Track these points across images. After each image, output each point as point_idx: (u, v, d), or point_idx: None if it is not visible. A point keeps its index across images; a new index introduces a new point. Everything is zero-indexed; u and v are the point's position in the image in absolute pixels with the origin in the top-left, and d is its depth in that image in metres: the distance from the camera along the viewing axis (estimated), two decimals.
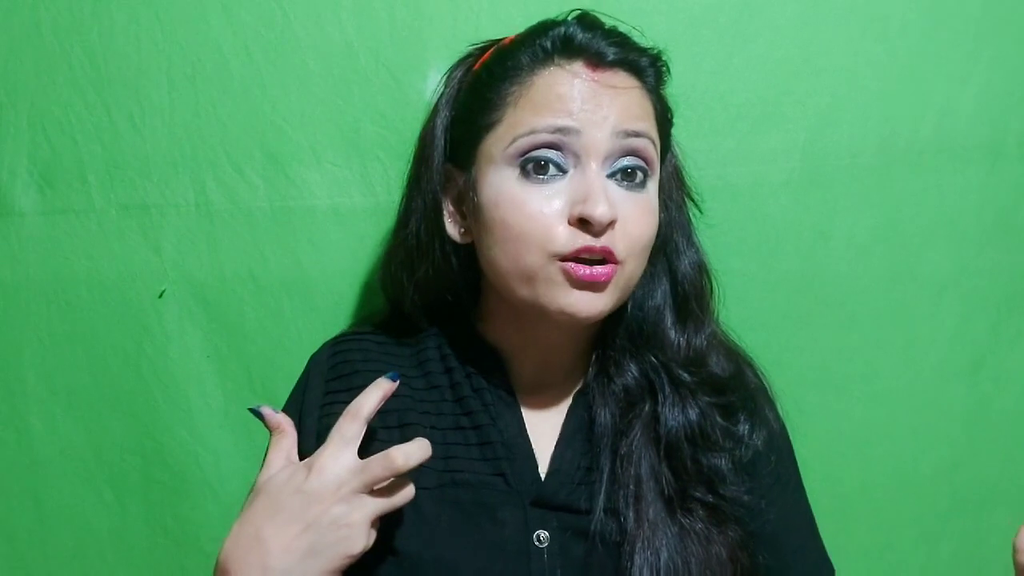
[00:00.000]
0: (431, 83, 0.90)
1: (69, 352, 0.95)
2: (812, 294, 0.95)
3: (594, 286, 0.70)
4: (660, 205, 0.76)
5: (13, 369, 0.95)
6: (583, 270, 0.69)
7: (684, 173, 0.83)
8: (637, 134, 0.71)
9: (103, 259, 0.94)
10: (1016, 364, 0.97)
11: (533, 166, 0.70)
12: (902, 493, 0.97)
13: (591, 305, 0.70)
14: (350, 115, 0.92)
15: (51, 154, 0.93)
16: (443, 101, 0.80)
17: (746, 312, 0.86)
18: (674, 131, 0.80)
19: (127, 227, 0.93)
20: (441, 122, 0.79)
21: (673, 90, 0.79)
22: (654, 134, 0.73)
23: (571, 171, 0.70)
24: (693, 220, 0.83)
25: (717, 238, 0.88)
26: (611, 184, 0.71)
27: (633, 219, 0.71)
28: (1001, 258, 0.96)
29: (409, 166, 0.82)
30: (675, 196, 0.81)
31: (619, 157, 0.71)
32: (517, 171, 0.70)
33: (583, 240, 0.69)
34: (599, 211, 0.67)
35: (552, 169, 0.70)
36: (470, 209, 0.75)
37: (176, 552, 0.95)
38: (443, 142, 0.78)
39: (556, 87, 0.71)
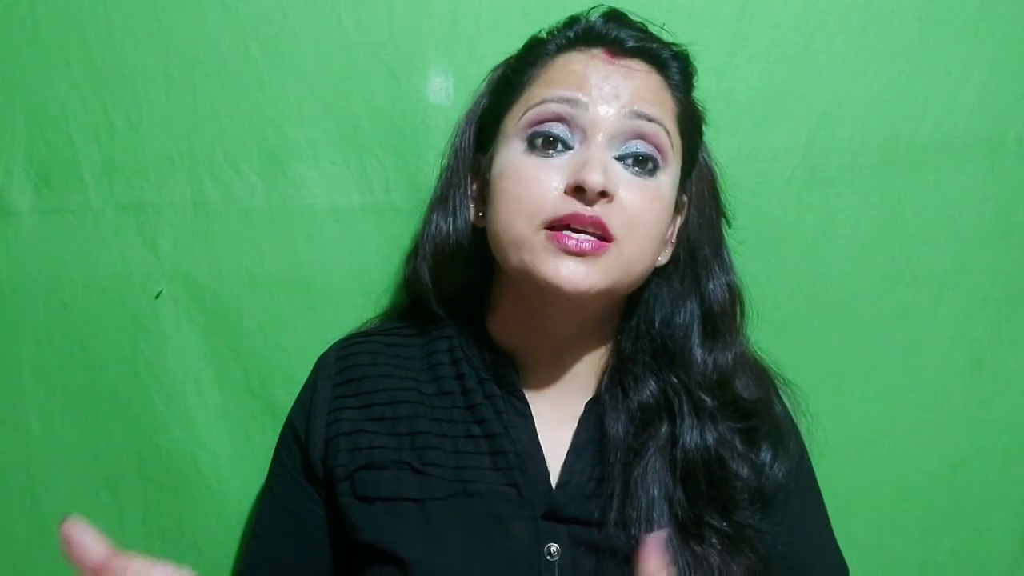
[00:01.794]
0: (431, 81, 0.90)
1: (66, 352, 0.94)
2: (813, 292, 0.95)
3: (580, 256, 0.68)
4: (689, 217, 0.76)
5: (10, 369, 0.94)
6: (567, 238, 0.67)
7: (720, 191, 0.82)
8: (649, 118, 0.71)
9: (100, 259, 0.93)
10: (1016, 363, 0.97)
11: (541, 140, 0.71)
12: (902, 491, 0.97)
13: (575, 275, 0.67)
14: (349, 113, 0.91)
15: (48, 153, 0.92)
16: (480, 94, 0.83)
17: (748, 310, 0.85)
18: None
19: (124, 226, 0.93)
20: (475, 110, 0.82)
21: None
22: (669, 125, 0.73)
23: (577, 147, 0.70)
24: (727, 240, 0.82)
25: None
26: (618, 165, 0.71)
27: (635, 201, 0.70)
28: (1001, 256, 0.96)
29: (443, 158, 0.84)
30: (707, 212, 0.80)
31: (628, 139, 0.71)
32: (525, 144, 0.71)
33: (572, 207, 0.68)
34: (592, 178, 0.67)
35: (558, 144, 0.70)
36: (486, 190, 0.76)
37: (173, 553, 0.95)
38: (473, 131, 0.81)
39: (571, 65, 0.73)
